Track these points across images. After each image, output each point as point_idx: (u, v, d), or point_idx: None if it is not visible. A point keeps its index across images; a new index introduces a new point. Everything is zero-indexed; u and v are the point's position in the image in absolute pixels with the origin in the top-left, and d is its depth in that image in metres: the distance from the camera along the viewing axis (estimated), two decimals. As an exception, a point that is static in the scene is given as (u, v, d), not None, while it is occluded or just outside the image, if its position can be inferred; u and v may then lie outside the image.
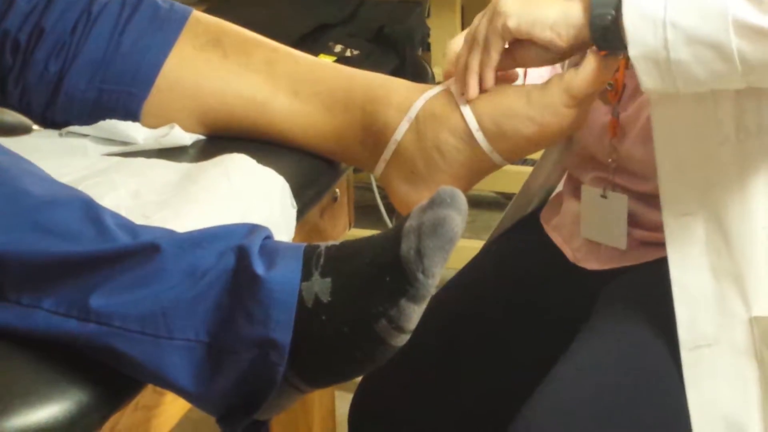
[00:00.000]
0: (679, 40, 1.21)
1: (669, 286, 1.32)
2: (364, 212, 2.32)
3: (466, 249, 1.67)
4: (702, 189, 1.30)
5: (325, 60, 1.49)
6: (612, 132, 1.46)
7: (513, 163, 1.41)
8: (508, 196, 3.02)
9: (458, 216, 1.07)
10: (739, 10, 1.19)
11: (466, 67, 1.35)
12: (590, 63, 1.29)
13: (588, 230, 1.51)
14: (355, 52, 2.21)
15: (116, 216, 1.11)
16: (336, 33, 2.29)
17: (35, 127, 0.65)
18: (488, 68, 1.33)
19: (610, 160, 1.47)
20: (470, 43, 1.35)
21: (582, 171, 1.54)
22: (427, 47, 2.68)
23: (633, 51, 1.22)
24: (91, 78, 1.41)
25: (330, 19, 2.31)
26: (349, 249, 1.10)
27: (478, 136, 1.35)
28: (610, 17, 1.24)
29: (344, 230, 1.66)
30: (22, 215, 1.07)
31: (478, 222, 2.94)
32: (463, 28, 2.70)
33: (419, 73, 2.27)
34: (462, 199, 1.09)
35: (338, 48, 2.24)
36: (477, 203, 1.34)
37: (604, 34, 1.26)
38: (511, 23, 1.29)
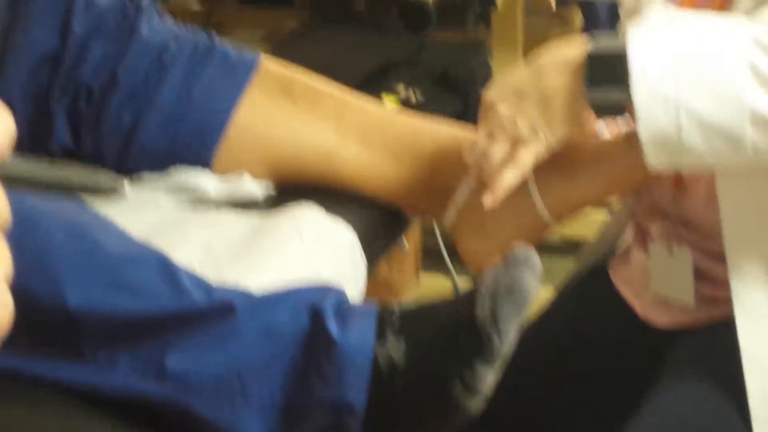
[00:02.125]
0: (693, 128, 1.18)
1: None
2: (427, 256, 2.32)
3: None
4: None
5: (393, 107, 1.49)
6: (675, 186, 1.45)
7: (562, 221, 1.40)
8: (570, 242, 3.00)
9: (533, 277, 1.07)
10: (758, 100, 1.16)
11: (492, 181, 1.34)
12: None
13: (657, 286, 1.50)
14: (419, 96, 2.22)
15: (191, 274, 1.12)
16: (399, 73, 2.29)
17: (127, 187, 0.67)
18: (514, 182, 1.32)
19: (674, 214, 1.46)
20: (487, 160, 1.34)
21: (650, 222, 1.53)
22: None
23: (643, 132, 1.20)
24: (163, 126, 1.42)
25: (393, 59, 2.31)
26: (423, 311, 1.10)
27: (532, 189, 1.34)
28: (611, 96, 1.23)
29: (412, 279, 1.66)
30: (100, 272, 1.07)
31: (554, 270, 2.91)
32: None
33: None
34: (536, 261, 1.08)
35: (401, 88, 2.24)
36: (540, 248, 1.35)
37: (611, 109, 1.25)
38: (545, 151, 1.28)
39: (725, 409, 1.31)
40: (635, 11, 1.50)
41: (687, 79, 1.17)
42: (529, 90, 1.29)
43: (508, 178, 1.29)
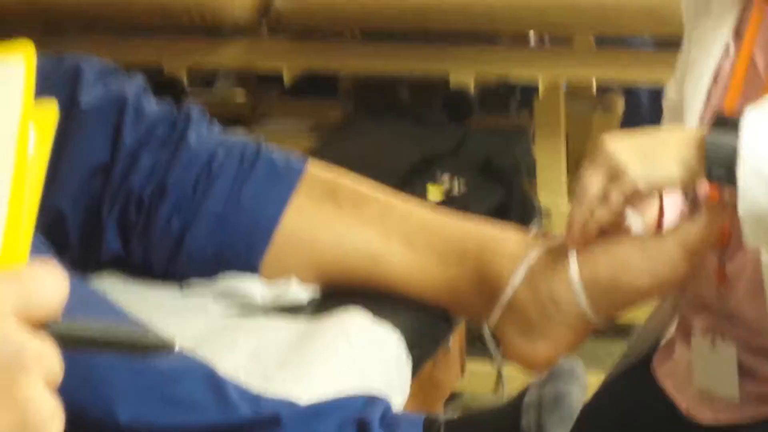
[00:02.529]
0: None
1: None
2: (472, 342, 2.33)
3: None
4: None
5: (438, 202, 1.51)
6: (718, 279, 1.45)
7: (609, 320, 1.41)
8: (618, 326, 2.98)
9: (578, 390, 1.08)
10: None
11: (576, 221, 1.35)
12: (708, 216, 1.30)
13: (700, 380, 1.50)
14: (463, 185, 2.23)
15: (238, 386, 1.14)
16: (443, 163, 2.31)
17: (176, 346, 0.66)
18: (603, 223, 1.34)
19: (718, 308, 1.46)
20: (582, 198, 1.35)
21: (694, 315, 1.53)
22: (534, 174, 2.70)
23: (743, 210, 1.22)
24: (211, 233, 1.45)
25: (437, 150, 2.33)
26: (469, 422, 1.11)
27: (577, 287, 1.35)
28: (724, 174, 1.24)
29: (457, 377, 1.66)
30: (151, 388, 1.09)
31: (584, 351, 2.90)
32: (568, 155, 2.71)
33: (526, 205, 2.29)
34: (581, 373, 1.10)
35: (446, 178, 2.26)
36: (597, 333, 1.37)
37: (719, 181, 1.25)
38: (642, 185, 1.28)
39: None
40: (677, 99, 1.52)
41: None
42: (645, 137, 1.31)
43: (604, 217, 1.30)
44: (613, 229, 1.36)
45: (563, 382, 1.08)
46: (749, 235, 1.24)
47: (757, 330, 1.42)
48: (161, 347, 0.66)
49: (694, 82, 1.43)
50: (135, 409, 1.07)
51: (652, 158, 1.29)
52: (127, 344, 0.66)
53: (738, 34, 1.41)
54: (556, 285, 1.36)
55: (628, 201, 1.31)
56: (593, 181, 1.32)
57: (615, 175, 1.29)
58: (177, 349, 0.66)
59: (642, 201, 1.33)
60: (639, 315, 1.67)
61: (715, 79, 1.41)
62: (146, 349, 0.66)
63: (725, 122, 1.26)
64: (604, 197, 1.31)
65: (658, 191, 1.31)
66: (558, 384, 1.08)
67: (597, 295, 1.35)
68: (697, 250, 1.32)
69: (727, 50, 1.41)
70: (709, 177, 1.26)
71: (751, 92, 1.38)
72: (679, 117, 1.49)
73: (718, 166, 1.25)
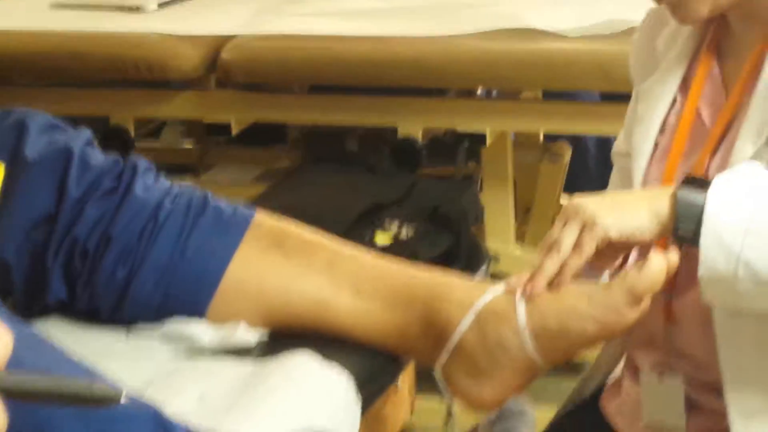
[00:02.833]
0: (748, 278, 1.25)
1: None
2: (422, 378, 2.33)
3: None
4: None
5: (386, 256, 1.52)
6: (666, 317, 1.47)
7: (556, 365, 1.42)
8: (568, 362, 2.99)
9: (526, 430, 1.09)
10: None
11: (549, 270, 1.36)
12: (653, 264, 1.31)
13: (649, 414, 1.51)
14: (410, 233, 2.24)
15: (186, 427, 1.14)
16: (391, 212, 2.32)
17: (123, 398, 0.67)
18: (572, 271, 1.36)
19: (665, 345, 1.48)
20: (549, 248, 1.36)
21: (641, 352, 1.54)
22: (482, 221, 2.71)
23: (702, 271, 1.26)
24: (157, 283, 1.45)
25: (385, 199, 2.34)
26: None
27: (524, 333, 1.36)
28: (691, 233, 1.28)
29: (406, 416, 1.67)
30: (96, 429, 1.09)
31: (533, 387, 2.90)
32: (515, 202, 2.73)
33: (474, 250, 2.30)
34: (529, 412, 1.11)
35: (394, 226, 2.27)
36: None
37: (684, 241, 1.30)
38: (613, 234, 1.30)
39: None
40: (625, 150, 1.55)
41: (755, 237, 1.25)
42: (616, 193, 1.39)
43: (575, 263, 1.32)
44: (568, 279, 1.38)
45: (512, 422, 1.09)
46: (706, 293, 1.28)
47: (704, 366, 1.44)
48: (108, 399, 0.66)
49: (643, 132, 1.47)
50: (78, 452, 1.07)
51: (623, 209, 1.32)
52: (73, 397, 0.66)
53: (684, 87, 1.46)
54: (503, 331, 1.38)
55: (599, 251, 1.34)
56: (568, 232, 1.34)
57: (588, 225, 1.32)
58: (123, 400, 0.67)
59: (614, 251, 1.35)
60: (590, 353, 1.68)
61: (662, 129, 1.46)
62: (93, 401, 0.66)
63: (695, 182, 1.31)
64: (577, 246, 1.33)
65: (629, 242, 1.33)
66: (506, 424, 1.09)
67: (544, 341, 1.36)
68: (642, 297, 1.34)
69: (673, 102, 1.46)
70: (677, 232, 1.29)
71: (696, 141, 1.42)
72: (626, 167, 1.52)
73: (687, 221, 1.28)
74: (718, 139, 1.41)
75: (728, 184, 1.29)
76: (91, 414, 1.09)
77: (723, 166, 1.38)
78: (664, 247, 1.35)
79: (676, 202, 1.30)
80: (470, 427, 1.24)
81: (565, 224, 1.34)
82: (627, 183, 1.49)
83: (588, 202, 1.34)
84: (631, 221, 1.31)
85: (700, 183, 1.30)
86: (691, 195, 1.29)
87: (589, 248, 1.32)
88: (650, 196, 1.33)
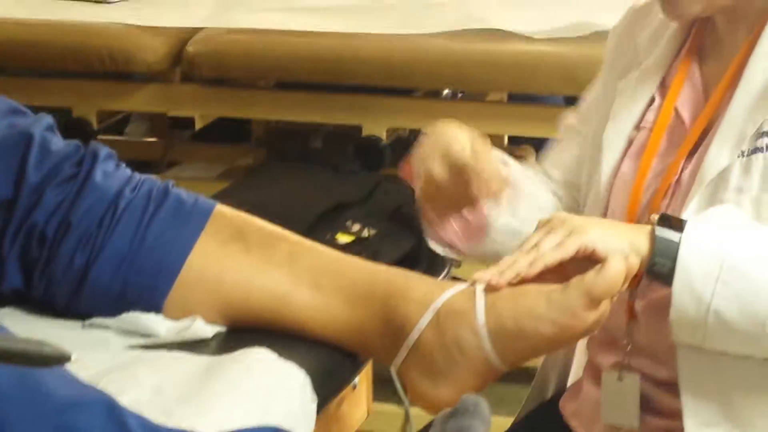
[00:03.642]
0: (717, 324, 1.29)
1: None
2: (380, 385, 2.32)
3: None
4: (725, 402, 1.32)
5: (347, 255, 1.51)
6: (628, 315, 1.48)
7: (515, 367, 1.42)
8: (524, 369, 2.99)
9: (481, 426, 1.08)
10: None
11: (513, 263, 1.36)
12: (612, 267, 1.31)
13: (606, 414, 1.51)
14: (373, 232, 2.23)
15: (139, 417, 1.12)
16: (353, 212, 2.31)
17: (73, 356, 0.66)
18: (544, 265, 1.35)
19: (625, 341, 1.48)
20: (528, 249, 1.36)
21: (602, 353, 1.54)
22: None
23: (673, 315, 1.30)
24: (115, 271, 1.43)
25: (347, 198, 2.33)
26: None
27: (483, 332, 1.35)
28: (666, 269, 1.31)
29: (363, 417, 1.66)
30: (45, 419, 1.07)
31: (492, 395, 2.90)
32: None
33: (436, 254, 2.29)
34: (485, 408, 1.10)
35: (356, 227, 2.26)
36: (503, 377, 1.38)
37: (658, 278, 1.33)
38: (598, 245, 1.32)
39: None
40: (577, 126, 1.57)
41: (726, 288, 1.28)
42: (596, 219, 1.40)
43: (551, 257, 1.33)
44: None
45: (467, 418, 1.08)
46: (677, 334, 1.32)
47: (663, 362, 1.45)
48: (57, 359, 0.66)
49: (617, 128, 1.49)
50: (29, 439, 1.05)
51: (607, 230, 1.35)
52: (22, 355, 0.65)
53: (663, 87, 1.47)
54: (461, 330, 1.37)
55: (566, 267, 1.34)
56: (551, 237, 1.35)
57: (576, 231, 1.33)
58: (73, 358, 0.66)
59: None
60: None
61: (637, 126, 1.47)
62: (42, 360, 0.66)
63: (669, 221, 1.33)
64: (559, 245, 1.33)
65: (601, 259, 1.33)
66: (461, 420, 1.08)
67: (502, 341, 1.35)
68: (600, 300, 1.33)
69: (651, 101, 1.46)
70: (653, 267, 1.32)
71: (674, 142, 1.44)
72: (578, 141, 1.54)
73: (663, 257, 1.31)
74: (695, 143, 1.41)
75: (702, 232, 1.31)
76: (43, 402, 1.07)
77: (695, 172, 1.39)
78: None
79: (654, 241, 1.31)
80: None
81: (549, 232, 1.34)
82: (579, 152, 1.53)
83: (575, 216, 1.37)
84: (614, 242, 1.32)
85: (674, 222, 1.33)
86: (668, 234, 1.31)
87: (570, 249, 1.33)
88: (630, 230, 1.35)
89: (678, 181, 1.42)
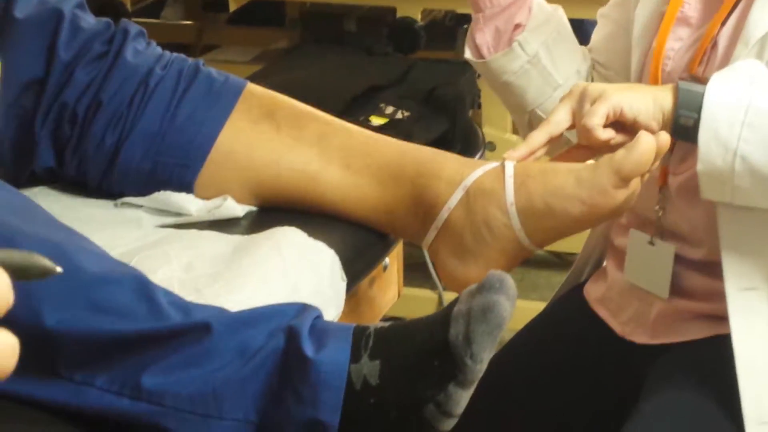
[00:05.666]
0: (745, 172, 1.28)
1: (725, 362, 1.32)
2: (413, 269, 2.33)
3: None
4: (765, 265, 1.32)
5: (378, 135, 1.50)
6: (661, 180, 1.46)
7: (544, 247, 1.41)
8: (558, 255, 3.02)
9: (507, 301, 1.08)
10: None
11: (543, 133, 1.37)
12: (642, 144, 1.29)
13: (632, 274, 1.51)
14: (406, 114, 2.22)
15: (169, 293, 1.13)
16: (387, 95, 2.30)
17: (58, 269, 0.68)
18: (587, 128, 1.36)
19: (657, 207, 1.47)
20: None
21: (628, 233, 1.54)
22: (478, 106, 2.69)
23: (700, 167, 1.29)
24: (146, 150, 1.43)
25: (381, 80, 2.32)
26: (398, 331, 1.11)
27: (512, 210, 1.35)
28: (692, 121, 1.31)
29: (394, 299, 1.67)
30: (77, 293, 1.08)
31: (525, 281, 2.93)
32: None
33: (470, 135, 2.28)
34: (511, 284, 1.10)
35: (389, 110, 2.25)
36: (525, 261, 1.37)
37: (685, 132, 1.32)
38: (625, 107, 1.33)
39: (715, 408, 1.34)
40: (612, 16, 1.57)
41: (751, 132, 1.27)
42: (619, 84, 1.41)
43: (586, 122, 1.34)
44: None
45: (492, 293, 1.08)
46: (705, 191, 1.31)
47: (694, 242, 1.44)
48: (43, 270, 0.66)
49: (644, 23, 1.47)
50: (61, 314, 1.07)
51: (631, 91, 1.35)
52: (10, 266, 0.66)
53: None
54: (491, 208, 1.36)
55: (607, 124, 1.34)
56: (577, 107, 1.36)
57: (601, 97, 1.34)
58: (59, 270, 0.67)
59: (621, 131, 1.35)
60: (580, 245, 1.68)
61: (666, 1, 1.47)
62: (30, 271, 0.66)
63: (695, 79, 1.34)
64: (590, 111, 1.34)
65: (634, 126, 1.33)
66: (488, 295, 1.08)
67: (531, 220, 1.34)
68: (630, 178, 1.32)
69: None
70: (678, 120, 1.31)
71: (709, 8, 1.43)
72: (606, 28, 1.58)
73: (688, 109, 1.31)
74: (730, 8, 1.40)
75: (726, 80, 1.30)
76: (75, 277, 1.08)
77: (733, 36, 1.38)
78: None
79: (678, 93, 1.30)
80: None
81: (574, 102, 1.35)
82: (608, 32, 1.56)
83: (596, 84, 1.37)
84: (639, 101, 1.33)
85: (702, 81, 1.32)
86: (692, 86, 1.31)
87: (600, 113, 1.33)
88: (654, 89, 1.35)
89: (714, 46, 1.40)
